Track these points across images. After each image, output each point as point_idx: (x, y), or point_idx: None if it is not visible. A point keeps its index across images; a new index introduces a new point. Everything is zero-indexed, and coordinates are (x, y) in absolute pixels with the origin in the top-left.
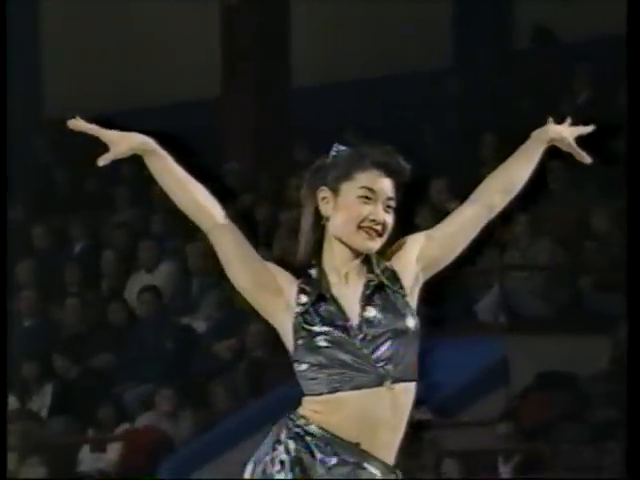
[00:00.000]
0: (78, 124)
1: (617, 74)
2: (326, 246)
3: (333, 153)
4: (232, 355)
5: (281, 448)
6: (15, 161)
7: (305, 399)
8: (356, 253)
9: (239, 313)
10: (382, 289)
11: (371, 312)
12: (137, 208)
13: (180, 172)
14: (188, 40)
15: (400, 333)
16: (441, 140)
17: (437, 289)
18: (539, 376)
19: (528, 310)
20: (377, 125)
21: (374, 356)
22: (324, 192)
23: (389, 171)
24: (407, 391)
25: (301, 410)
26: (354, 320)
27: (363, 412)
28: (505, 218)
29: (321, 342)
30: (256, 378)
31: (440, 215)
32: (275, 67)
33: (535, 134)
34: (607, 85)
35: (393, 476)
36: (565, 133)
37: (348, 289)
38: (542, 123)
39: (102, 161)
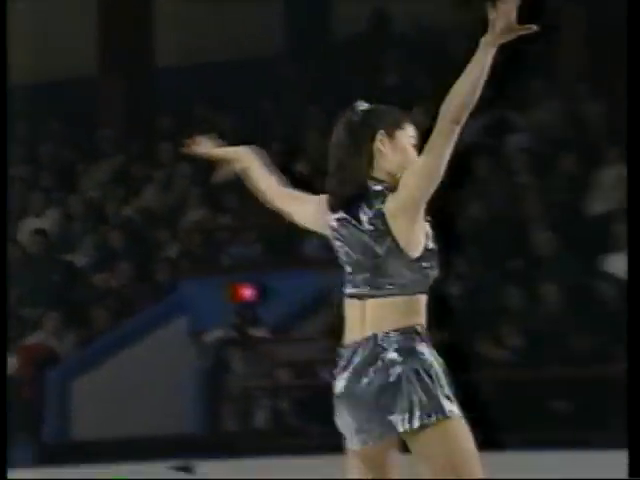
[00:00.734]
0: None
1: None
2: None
3: (363, 107)
4: (106, 285)
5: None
6: None
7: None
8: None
9: (111, 252)
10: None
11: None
12: (29, 165)
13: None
14: (70, 26)
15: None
16: (277, 114)
17: (287, 232)
18: None
19: None
20: (225, 100)
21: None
22: (381, 135)
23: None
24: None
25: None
26: None
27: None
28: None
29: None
30: (125, 304)
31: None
32: (141, 50)
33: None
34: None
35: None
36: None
37: None
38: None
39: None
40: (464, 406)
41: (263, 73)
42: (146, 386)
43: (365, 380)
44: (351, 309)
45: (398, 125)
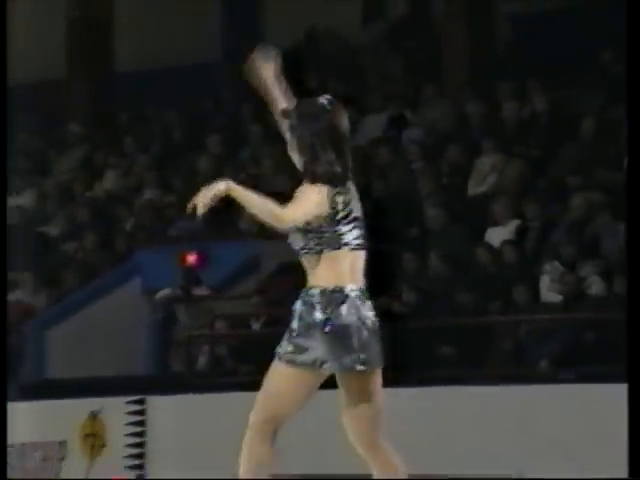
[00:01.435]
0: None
1: None
2: None
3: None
4: (74, 252)
5: None
6: None
7: None
8: None
9: (79, 225)
10: None
11: None
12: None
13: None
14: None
15: None
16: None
17: (226, 208)
18: (280, 265)
19: None
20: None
21: None
22: None
23: None
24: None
25: None
26: None
27: None
28: None
29: None
30: (90, 268)
31: None
32: (103, 57)
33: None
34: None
35: None
36: None
37: None
38: None
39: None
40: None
41: (204, 76)
42: (108, 335)
43: None
44: None
45: None
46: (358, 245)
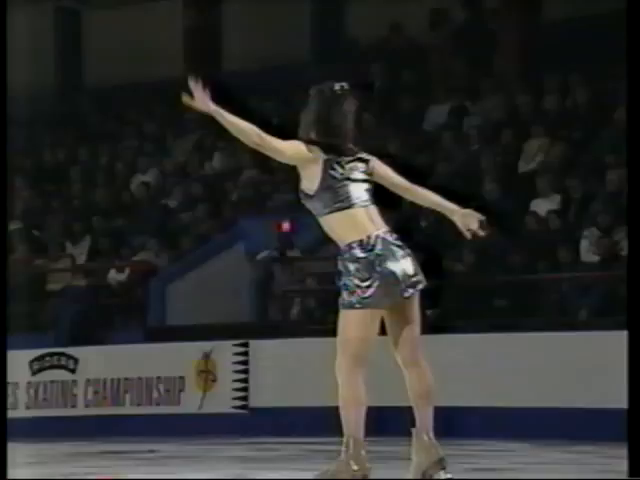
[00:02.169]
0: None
1: None
2: None
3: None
4: (189, 220)
5: None
6: None
7: None
8: None
9: (193, 198)
10: None
11: None
12: (136, 139)
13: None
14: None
15: None
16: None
17: None
18: None
19: None
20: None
21: None
22: None
23: None
24: None
25: None
26: None
27: None
28: None
29: None
30: (202, 233)
31: None
32: (213, 57)
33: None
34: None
35: None
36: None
37: None
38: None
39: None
40: (435, 303)
41: (297, 73)
42: (217, 289)
43: None
44: None
45: None
46: (365, 202)
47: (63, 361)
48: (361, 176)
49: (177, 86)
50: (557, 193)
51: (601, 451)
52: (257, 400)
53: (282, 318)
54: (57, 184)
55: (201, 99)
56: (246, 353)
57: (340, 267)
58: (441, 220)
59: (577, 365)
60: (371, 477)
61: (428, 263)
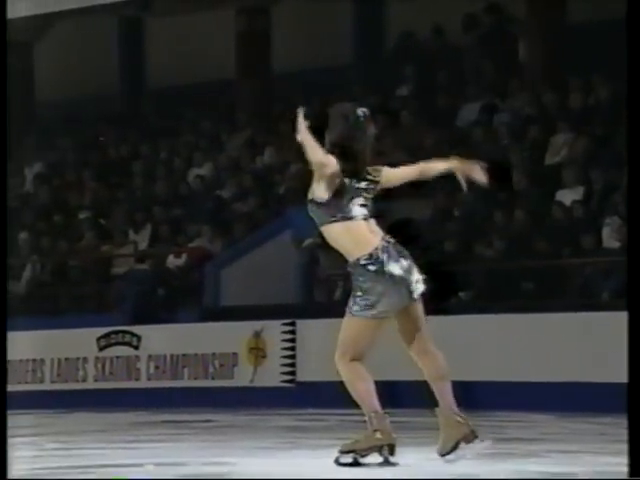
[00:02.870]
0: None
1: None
2: None
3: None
4: (241, 210)
5: None
6: None
7: None
8: None
9: (244, 189)
10: None
11: None
12: (193, 135)
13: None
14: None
15: None
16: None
17: None
18: (397, 220)
19: None
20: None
21: None
22: None
23: None
24: None
25: None
26: None
27: None
28: None
29: None
30: (253, 222)
31: None
32: (264, 60)
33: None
34: None
35: None
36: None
37: None
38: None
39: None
40: (468, 285)
41: (339, 74)
42: (267, 273)
43: None
44: None
45: None
46: (365, 215)
47: (127, 338)
48: (367, 194)
49: (231, 86)
50: (581, 184)
51: (621, 422)
52: (303, 374)
53: (326, 300)
54: (121, 177)
55: (302, 128)
56: (293, 332)
57: (353, 280)
58: (473, 210)
59: (599, 343)
60: (397, 446)
61: (460, 249)
